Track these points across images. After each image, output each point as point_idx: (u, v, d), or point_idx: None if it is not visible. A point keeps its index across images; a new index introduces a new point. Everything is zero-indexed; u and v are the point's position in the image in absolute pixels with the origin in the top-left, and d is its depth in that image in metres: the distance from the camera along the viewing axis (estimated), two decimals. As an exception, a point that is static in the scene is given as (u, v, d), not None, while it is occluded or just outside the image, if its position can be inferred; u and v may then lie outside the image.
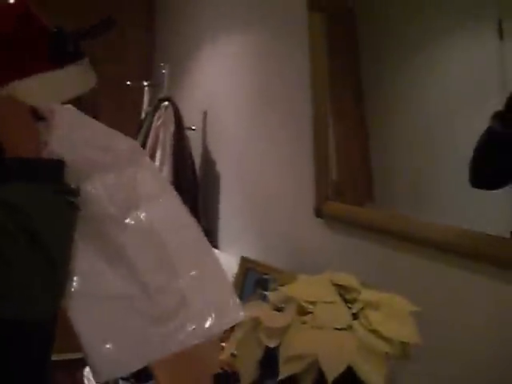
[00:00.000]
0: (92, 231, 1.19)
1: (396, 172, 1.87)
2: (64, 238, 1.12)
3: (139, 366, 1.20)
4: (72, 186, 1.16)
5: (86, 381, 2.72)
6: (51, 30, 1.34)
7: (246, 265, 2.29)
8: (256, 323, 1.33)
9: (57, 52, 1.34)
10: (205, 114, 3.24)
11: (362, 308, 1.33)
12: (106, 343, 1.18)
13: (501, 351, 1.38)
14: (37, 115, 1.22)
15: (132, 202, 1.24)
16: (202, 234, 1.28)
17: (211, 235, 3.09)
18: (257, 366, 1.32)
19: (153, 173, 1.32)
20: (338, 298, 1.34)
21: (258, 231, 2.61)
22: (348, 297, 1.36)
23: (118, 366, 1.20)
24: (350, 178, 2.05)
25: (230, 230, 2.94)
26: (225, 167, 3.03)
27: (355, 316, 1.31)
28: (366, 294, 1.36)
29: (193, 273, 1.24)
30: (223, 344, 2.18)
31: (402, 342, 1.30)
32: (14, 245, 1.02)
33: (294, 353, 1.23)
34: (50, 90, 1.31)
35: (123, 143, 1.29)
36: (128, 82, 3.54)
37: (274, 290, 1.41)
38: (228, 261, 2.72)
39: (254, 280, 2.21)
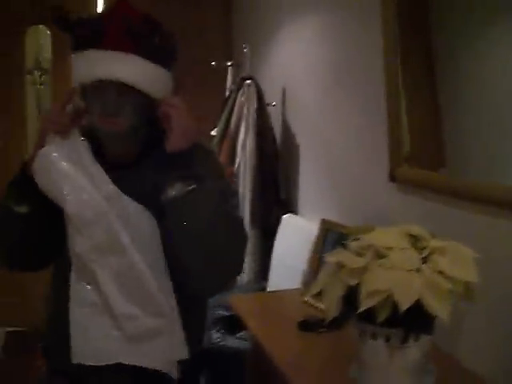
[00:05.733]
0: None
1: (468, 139, 2.04)
2: None
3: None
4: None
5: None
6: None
7: (326, 226, 2.54)
8: (339, 266, 1.56)
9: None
10: (283, 90, 3.47)
11: (430, 254, 1.55)
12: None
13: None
14: None
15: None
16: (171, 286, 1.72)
17: (292, 201, 3.35)
18: (339, 303, 1.56)
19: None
20: (409, 245, 1.57)
21: (335, 196, 2.85)
22: (419, 245, 1.58)
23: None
24: (422, 146, 2.23)
25: (309, 197, 3.19)
26: (303, 138, 3.28)
27: (424, 260, 1.54)
28: (435, 243, 1.58)
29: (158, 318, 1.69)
30: (305, 298, 2.45)
31: (465, 283, 1.52)
32: None
33: (372, 289, 1.46)
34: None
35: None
36: (213, 63, 3.80)
37: (355, 239, 1.65)
38: (307, 225, 2.98)
39: (332, 239, 2.46)
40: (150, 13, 1.75)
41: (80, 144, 1.69)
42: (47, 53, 4.59)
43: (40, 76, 4.63)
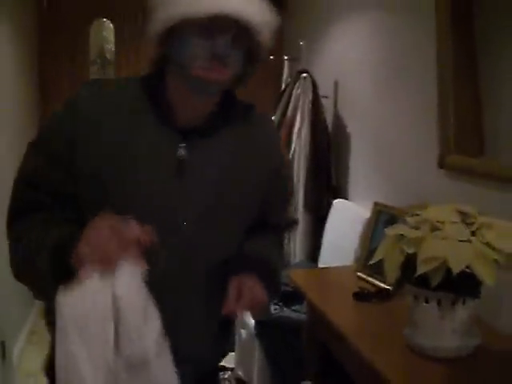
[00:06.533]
0: None
1: (505, 127, 2.26)
2: None
3: None
4: None
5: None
6: None
7: (378, 208, 2.78)
8: (399, 237, 1.81)
9: None
10: (336, 83, 3.71)
11: (478, 228, 1.78)
12: None
13: None
14: None
15: None
16: None
17: (342, 187, 3.59)
18: (399, 268, 1.80)
19: None
20: (460, 220, 1.81)
21: (384, 183, 3.09)
22: (468, 220, 1.82)
23: None
24: (466, 135, 2.44)
25: (359, 183, 3.43)
26: (354, 129, 3.51)
27: (473, 233, 1.77)
28: (482, 219, 1.81)
29: None
30: (358, 273, 2.69)
31: (508, 254, 1.75)
32: None
33: (428, 255, 1.70)
34: None
35: None
36: (271, 57, 4.03)
37: (412, 215, 1.89)
38: (357, 209, 3.23)
39: (384, 220, 2.70)
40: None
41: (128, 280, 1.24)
42: (110, 45, 4.88)
43: (103, 66, 4.92)
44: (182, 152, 1.45)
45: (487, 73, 2.33)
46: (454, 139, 2.41)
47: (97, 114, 1.42)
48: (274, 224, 1.71)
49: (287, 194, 1.82)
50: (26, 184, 1.45)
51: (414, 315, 1.91)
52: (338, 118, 3.69)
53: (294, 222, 1.96)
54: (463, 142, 2.42)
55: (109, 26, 4.88)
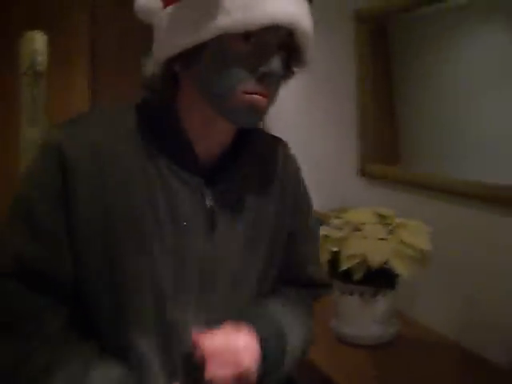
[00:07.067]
0: None
1: (417, 140, 2.52)
2: None
3: None
4: None
5: None
6: None
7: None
8: (324, 238, 2.02)
9: None
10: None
11: (395, 228, 2.01)
12: None
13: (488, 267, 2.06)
14: None
15: None
16: None
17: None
18: (325, 265, 2.01)
19: None
20: (378, 222, 2.03)
21: (310, 189, 3.28)
22: (385, 221, 2.05)
23: None
24: (384, 148, 2.67)
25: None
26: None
27: (390, 233, 2.00)
28: (398, 220, 2.05)
29: None
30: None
31: (420, 250, 1.98)
32: None
33: (350, 253, 1.92)
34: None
35: None
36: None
37: (335, 218, 2.11)
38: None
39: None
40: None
41: None
42: (42, 57, 4.91)
43: (35, 79, 4.97)
44: (209, 202, 1.17)
45: (402, 93, 2.58)
46: (372, 150, 2.64)
47: (90, 164, 1.08)
48: (304, 279, 1.43)
49: (316, 232, 1.54)
50: (5, 281, 1.07)
51: (340, 307, 2.13)
52: (264, 129, 3.88)
53: (329, 285, 1.56)
54: (381, 152, 2.65)
55: (41, 37, 4.92)
